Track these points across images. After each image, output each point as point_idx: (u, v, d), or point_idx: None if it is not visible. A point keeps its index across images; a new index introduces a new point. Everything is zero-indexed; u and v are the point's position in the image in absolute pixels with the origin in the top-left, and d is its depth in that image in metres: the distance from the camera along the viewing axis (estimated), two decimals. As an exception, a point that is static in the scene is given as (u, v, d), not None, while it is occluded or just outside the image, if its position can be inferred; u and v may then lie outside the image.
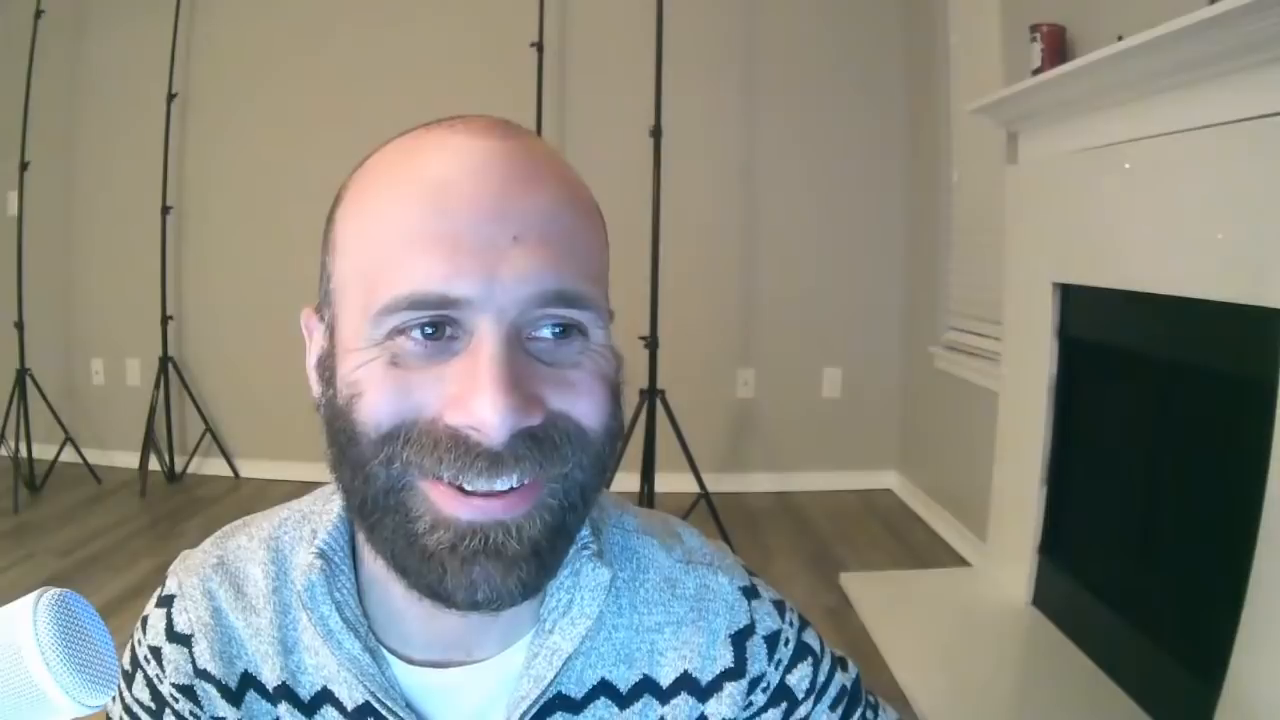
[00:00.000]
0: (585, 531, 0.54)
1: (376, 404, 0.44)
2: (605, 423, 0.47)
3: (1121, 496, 2.10)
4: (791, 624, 0.61)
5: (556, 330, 0.45)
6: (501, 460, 0.43)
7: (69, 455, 3.57)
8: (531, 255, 0.44)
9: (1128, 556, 2.07)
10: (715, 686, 0.57)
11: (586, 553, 0.54)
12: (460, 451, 0.43)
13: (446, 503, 0.45)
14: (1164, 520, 1.97)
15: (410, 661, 0.53)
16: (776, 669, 0.59)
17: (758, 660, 0.58)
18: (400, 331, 0.44)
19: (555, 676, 0.52)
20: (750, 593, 0.60)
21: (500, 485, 0.44)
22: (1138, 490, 2.05)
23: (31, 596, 0.38)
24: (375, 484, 0.45)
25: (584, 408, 0.46)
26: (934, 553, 2.99)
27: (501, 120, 0.49)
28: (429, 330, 0.44)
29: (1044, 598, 2.33)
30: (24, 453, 3.41)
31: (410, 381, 0.44)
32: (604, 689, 0.55)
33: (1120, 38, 1.78)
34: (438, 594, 0.46)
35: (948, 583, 2.66)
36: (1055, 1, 2.26)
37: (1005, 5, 2.68)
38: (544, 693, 0.52)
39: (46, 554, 2.82)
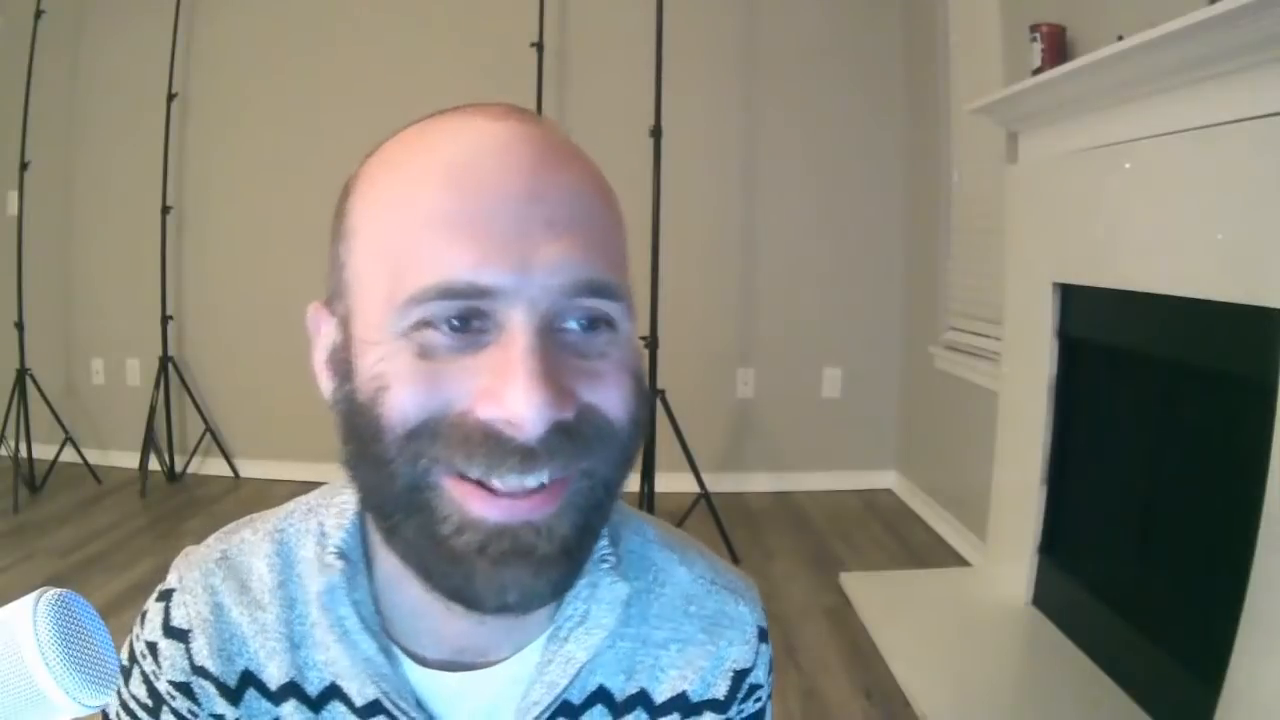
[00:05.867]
0: (603, 542, 0.53)
1: (403, 398, 0.42)
2: (633, 415, 0.45)
3: (1121, 496, 2.10)
4: (769, 684, 0.61)
5: (583, 322, 0.44)
6: (535, 455, 0.42)
7: (69, 455, 3.57)
8: (564, 243, 0.42)
9: (1128, 556, 2.07)
10: (698, 710, 0.57)
11: (605, 565, 0.53)
12: (492, 446, 0.42)
13: (473, 503, 0.43)
14: (1164, 520, 1.97)
15: (422, 662, 0.52)
16: (739, 716, 0.59)
17: (739, 702, 0.58)
18: (427, 323, 0.42)
19: (568, 685, 0.52)
20: (763, 635, 0.60)
21: (531, 482, 0.42)
22: (1138, 490, 2.05)
23: (31, 597, 0.38)
24: (399, 482, 0.43)
25: (613, 400, 0.44)
26: (934, 553, 2.99)
27: (517, 106, 0.48)
28: (456, 323, 0.42)
29: (1044, 597, 2.33)
30: (24, 453, 3.41)
31: (439, 374, 0.42)
32: (601, 696, 0.55)
33: (1120, 38, 1.78)
34: (464, 597, 0.44)
35: (948, 583, 2.66)
36: (1055, 1, 2.26)
37: (1005, 5, 2.67)
38: (555, 700, 0.52)
39: (46, 554, 2.82)
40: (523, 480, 0.42)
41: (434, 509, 0.44)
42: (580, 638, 0.52)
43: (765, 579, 2.74)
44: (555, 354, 0.43)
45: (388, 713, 0.51)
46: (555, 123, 0.49)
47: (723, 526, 2.88)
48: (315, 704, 0.52)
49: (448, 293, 0.41)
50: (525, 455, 0.42)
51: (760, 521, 3.29)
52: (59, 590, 0.39)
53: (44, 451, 3.54)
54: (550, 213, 0.43)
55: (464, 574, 0.44)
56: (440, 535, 0.44)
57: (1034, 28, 2.21)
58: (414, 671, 0.52)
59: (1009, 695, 2.04)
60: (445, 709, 0.53)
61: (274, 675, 0.53)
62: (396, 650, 0.52)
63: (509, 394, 0.41)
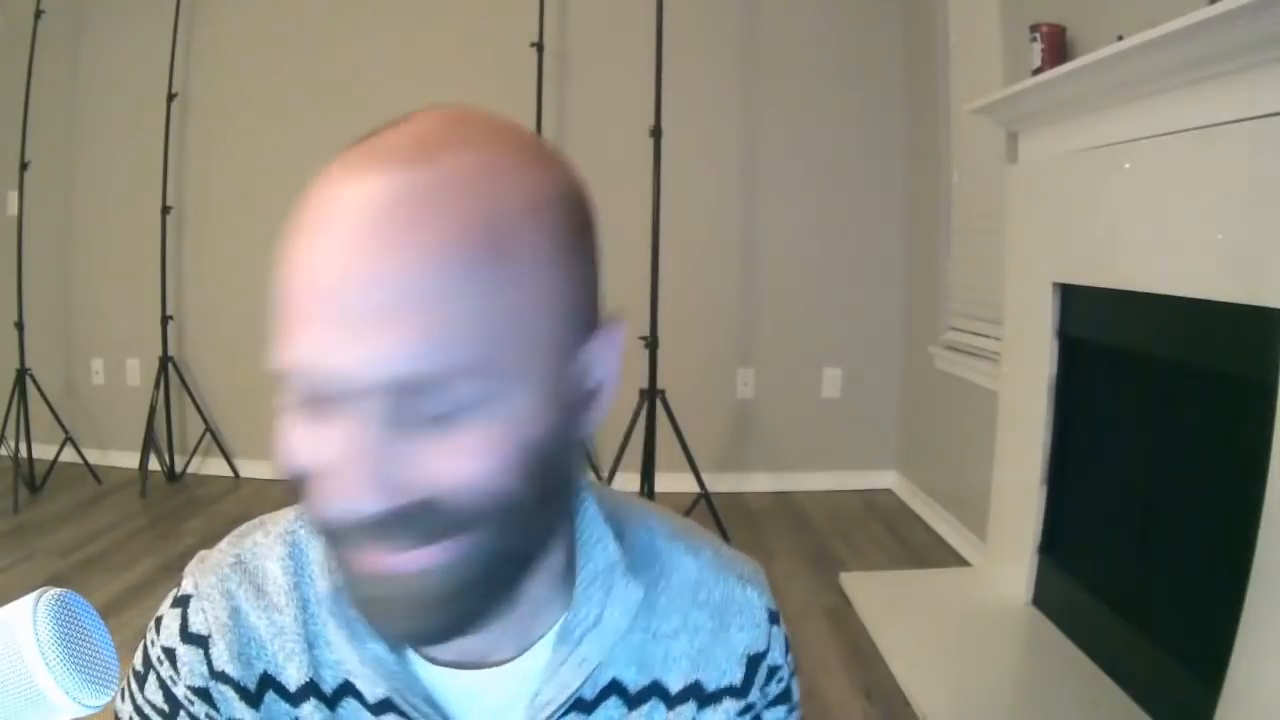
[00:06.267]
0: (613, 546, 0.54)
1: (280, 450, 0.43)
2: (510, 486, 0.41)
3: (1121, 496, 2.10)
4: (789, 664, 0.61)
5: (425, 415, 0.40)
6: (376, 535, 0.41)
7: (69, 455, 3.58)
8: (369, 337, 0.38)
9: (1128, 556, 2.07)
10: (716, 698, 0.57)
11: (619, 569, 0.53)
12: (328, 522, 0.42)
13: (348, 555, 0.44)
14: (1164, 520, 1.96)
15: (433, 660, 0.53)
16: (763, 700, 0.59)
17: (758, 686, 0.58)
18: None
19: (584, 683, 0.52)
20: (774, 618, 0.60)
21: (375, 549, 0.42)
22: (1138, 490, 2.05)
23: (31, 597, 0.38)
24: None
25: (475, 476, 0.40)
26: (934, 553, 2.99)
27: (433, 133, 0.43)
28: (303, 397, 0.42)
29: (1044, 597, 2.33)
30: (24, 453, 3.41)
31: (299, 438, 0.42)
32: (615, 689, 0.55)
33: (1120, 38, 1.78)
34: (374, 628, 0.46)
35: (948, 583, 2.66)
36: (1055, 1, 2.26)
37: (1005, 5, 2.67)
38: (569, 699, 0.52)
39: (46, 554, 2.82)
40: (374, 553, 0.42)
41: (328, 551, 0.45)
42: (594, 639, 0.52)
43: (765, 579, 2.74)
44: (389, 438, 0.40)
45: (399, 710, 0.51)
46: (474, 151, 0.42)
47: (723, 527, 2.88)
48: (331, 701, 0.53)
49: (285, 374, 0.41)
50: (366, 534, 0.41)
51: (760, 521, 3.29)
52: (59, 590, 0.39)
53: (44, 451, 3.54)
54: (369, 302, 0.39)
55: (364, 613, 0.46)
56: (337, 575, 0.46)
57: (1034, 28, 2.21)
58: (425, 670, 0.53)
59: (1009, 695, 2.04)
60: (457, 707, 0.53)
61: (293, 677, 0.53)
62: (408, 649, 0.53)
63: (333, 483, 0.40)
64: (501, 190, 0.42)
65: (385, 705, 0.52)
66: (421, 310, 0.39)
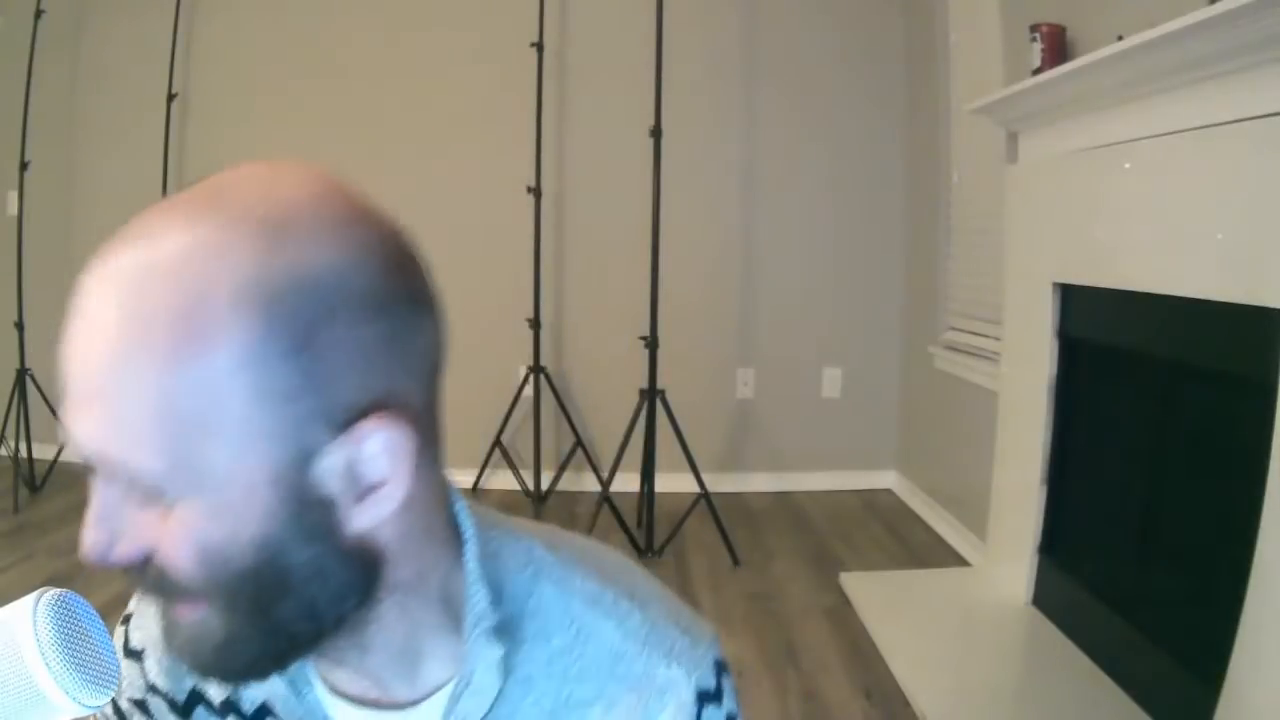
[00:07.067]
0: (483, 603, 0.51)
1: None
2: (200, 576, 0.42)
3: (1121, 496, 2.10)
4: None
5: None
6: (133, 584, 0.45)
7: (69, 455, 3.57)
8: (77, 415, 0.41)
9: (1128, 556, 2.07)
10: None
11: (480, 628, 0.51)
12: None
13: None
14: (1164, 520, 1.97)
15: (337, 693, 0.53)
16: None
17: None
18: None
19: None
20: (708, 697, 0.54)
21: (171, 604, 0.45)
22: (1138, 490, 2.05)
23: (31, 597, 0.38)
24: None
25: (172, 558, 0.42)
26: (934, 553, 2.99)
27: (178, 205, 0.43)
28: None
29: (1044, 597, 2.33)
30: (24, 453, 3.41)
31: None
32: None
33: (1120, 38, 1.78)
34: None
35: (948, 583, 2.66)
36: (1055, 1, 2.26)
37: (1005, 5, 2.67)
38: None
39: (46, 554, 2.82)
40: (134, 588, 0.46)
41: None
42: (470, 698, 0.51)
43: (765, 579, 2.74)
44: (121, 504, 0.42)
45: None
46: (173, 231, 0.41)
47: (723, 527, 2.88)
48: None
49: None
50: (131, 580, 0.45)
51: (760, 521, 3.29)
52: (59, 590, 0.39)
53: (44, 451, 3.54)
54: (74, 386, 0.41)
55: (167, 647, 0.48)
56: None
57: (1034, 28, 2.21)
58: (329, 702, 0.53)
59: (1009, 695, 2.04)
60: None
61: (216, 693, 0.55)
62: (315, 679, 0.53)
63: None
64: (206, 280, 0.39)
65: None
66: (101, 397, 0.40)
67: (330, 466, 0.42)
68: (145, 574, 0.43)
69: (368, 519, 0.44)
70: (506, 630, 0.52)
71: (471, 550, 0.52)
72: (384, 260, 0.44)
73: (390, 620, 0.49)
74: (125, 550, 0.43)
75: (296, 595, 0.44)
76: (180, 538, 0.41)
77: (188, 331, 0.39)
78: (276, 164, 0.45)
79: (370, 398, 0.42)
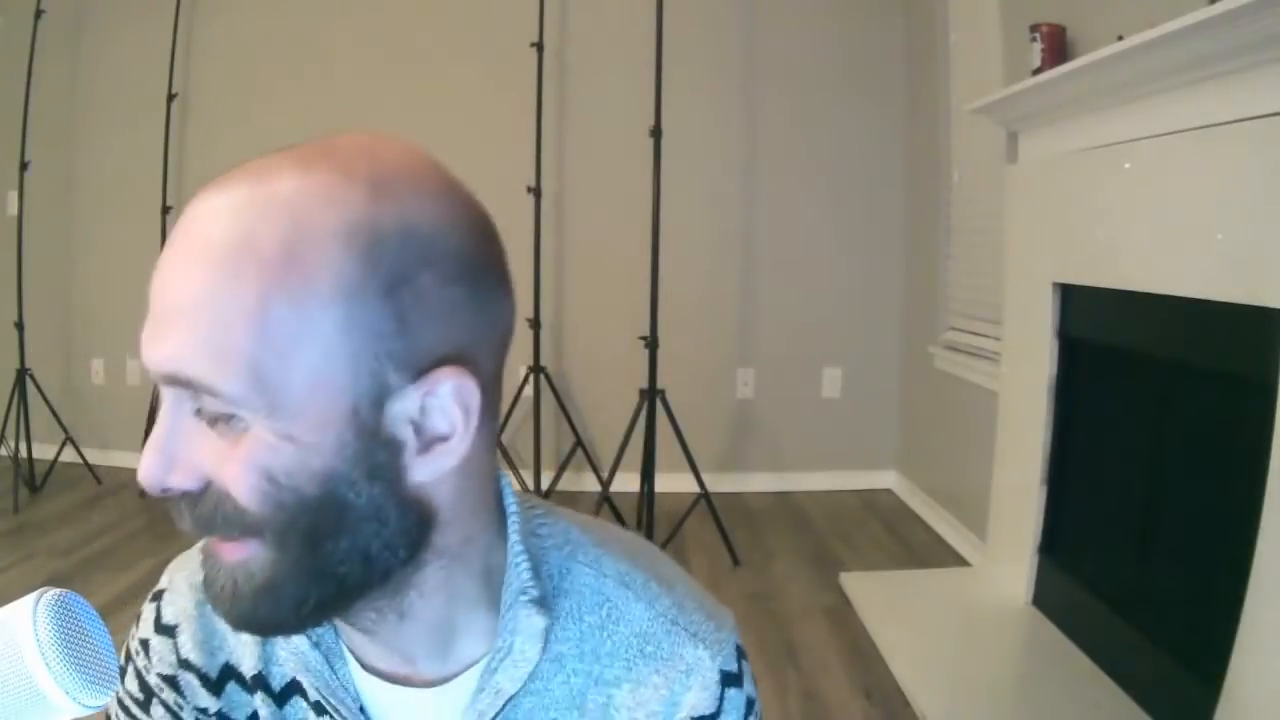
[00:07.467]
0: (527, 575, 0.52)
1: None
2: (262, 504, 0.43)
3: (1121, 496, 2.10)
4: None
5: (198, 410, 0.43)
6: (181, 514, 0.44)
7: (69, 455, 3.57)
8: (162, 335, 0.42)
9: (1128, 556, 2.07)
10: None
11: (525, 598, 0.52)
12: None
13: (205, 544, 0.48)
14: (1164, 520, 1.97)
15: (368, 669, 0.53)
16: None
17: None
18: None
19: (498, 715, 0.52)
20: (730, 679, 0.56)
21: (185, 526, 0.45)
22: (1138, 490, 2.05)
23: (31, 597, 0.38)
24: None
25: (236, 485, 0.43)
26: (934, 553, 2.99)
27: (294, 155, 0.45)
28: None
29: (1044, 597, 2.33)
30: (24, 453, 3.41)
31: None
32: None
33: (1120, 38, 1.78)
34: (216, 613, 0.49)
35: (948, 583, 2.66)
36: (1055, 1, 2.26)
37: (1005, 5, 2.67)
38: None
39: (46, 554, 2.83)
40: (181, 524, 0.45)
41: None
42: (507, 669, 0.52)
43: (765, 579, 2.75)
44: (187, 427, 0.43)
45: (328, 711, 0.53)
46: (284, 180, 0.43)
47: (723, 526, 2.88)
48: (279, 699, 0.55)
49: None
50: (174, 512, 0.45)
51: (760, 521, 3.29)
52: (59, 590, 0.39)
53: (44, 451, 3.54)
54: (165, 302, 0.43)
55: (205, 593, 0.48)
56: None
57: (1034, 28, 2.21)
58: (360, 676, 0.54)
59: (1009, 695, 2.04)
60: (384, 718, 0.54)
61: (249, 668, 0.55)
62: (347, 653, 0.54)
63: (143, 456, 0.44)
64: (316, 216, 0.42)
65: (320, 706, 0.53)
66: (193, 316, 0.41)
67: (402, 410, 0.44)
68: (199, 505, 0.44)
69: (430, 470, 0.46)
70: (544, 605, 0.53)
71: (515, 524, 0.54)
72: (473, 229, 0.47)
73: (431, 587, 0.50)
74: (182, 477, 0.43)
75: (351, 535, 0.45)
76: (246, 463, 0.42)
77: (292, 257, 0.41)
78: (381, 133, 0.47)
79: (448, 349, 0.44)
